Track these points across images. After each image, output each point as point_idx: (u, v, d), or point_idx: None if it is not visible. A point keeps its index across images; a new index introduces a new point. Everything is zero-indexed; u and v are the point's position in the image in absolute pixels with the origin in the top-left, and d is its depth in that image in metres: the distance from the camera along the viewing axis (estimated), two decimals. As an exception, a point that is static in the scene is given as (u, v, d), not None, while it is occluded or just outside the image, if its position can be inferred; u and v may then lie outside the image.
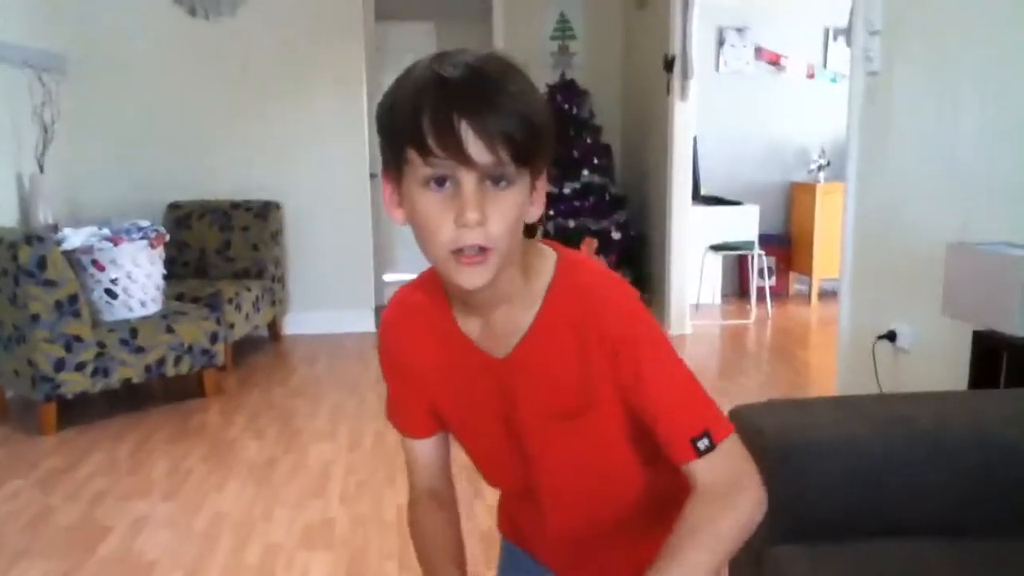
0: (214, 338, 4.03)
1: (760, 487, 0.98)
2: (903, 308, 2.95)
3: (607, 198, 5.53)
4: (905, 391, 2.62)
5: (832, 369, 4.11)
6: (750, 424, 1.83)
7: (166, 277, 4.05)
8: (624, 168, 6.02)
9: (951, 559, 1.63)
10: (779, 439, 1.75)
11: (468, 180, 0.88)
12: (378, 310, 5.58)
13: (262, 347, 5.08)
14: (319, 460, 3.29)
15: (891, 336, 2.95)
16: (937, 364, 2.74)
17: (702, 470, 0.96)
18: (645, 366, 0.97)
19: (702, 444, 0.96)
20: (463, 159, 0.86)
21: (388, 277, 6.58)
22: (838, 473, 1.71)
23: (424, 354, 1.09)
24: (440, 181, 0.89)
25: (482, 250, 0.90)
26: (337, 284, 5.39)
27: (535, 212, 0.98)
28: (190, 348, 3.93)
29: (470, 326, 1.04)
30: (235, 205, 5.09)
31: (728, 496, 0.96)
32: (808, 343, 5.36)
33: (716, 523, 0.95)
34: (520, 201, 0.92)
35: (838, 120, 6.14)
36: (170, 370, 3.87)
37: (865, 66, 3.09)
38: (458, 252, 0.90)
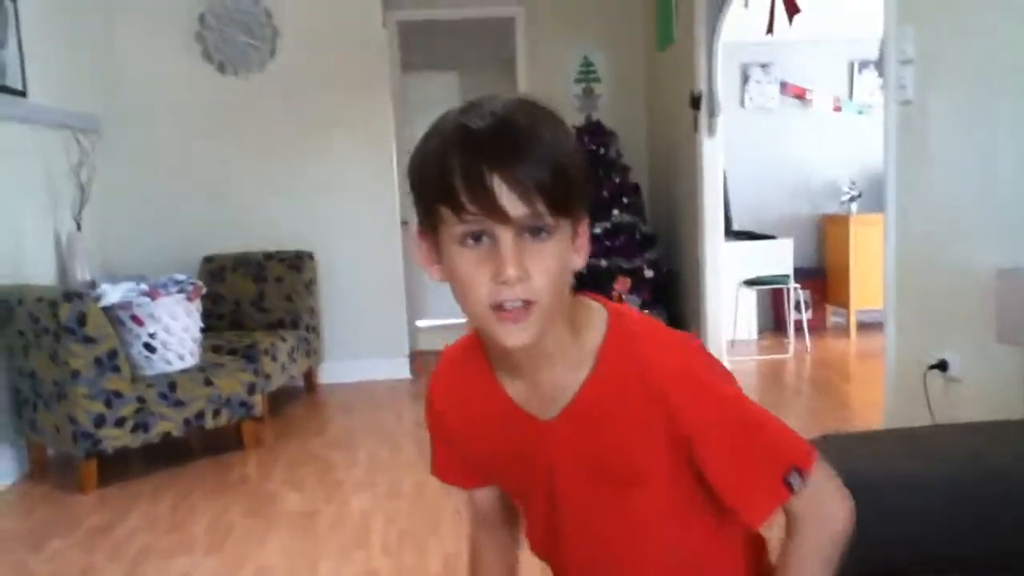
0: (251, 389, 4.02)
1: (846, 497, 0.97)
2: (952, 338, 2.88)
3: (638, 237, 5.51)
4: (960, 422, 2.54)
5: (877, 401, 4.02)
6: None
7: (202, 330, 4.06)
8: (653, 206, 6.00)
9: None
10: (843, 475, 1.69)
11: (505, 235, 0.86)
12: (412, 356, 5.57)
13: (298, 397, 5.07)
14: (359, 510, 3.25)
15: (942, 366, 2.88)
16: (991, 393, 2.66)
17: (796, 503, 0.94)
18: (714, 425, 0.93)
19: (794, 482, 0.93)
20: (497, 214, 0.84)
21: (421, 323, 6.58)
22: (907, 511, 1.65)
23: (466, 414, 1.06)
24: (476, 237, 0.87)
25: (525, 304, 0.87)
26: (371, 332, 5.38)
27: (580, 260, 0.94)
28: (228, 400, 3.92)
29: (514, 387, 1.01)
30: (268, 256, 5.12)
31: (823, 519, 0.96)
32: (849, 375, 5.27)
33: (822, 550, 0.96)
34: (562, 251, 0.89)
35: (867, 151, 6.17)
36: (209, 422, 3.86)
37: (898, 95, 3.06)
38: (498, 307, 0.87)
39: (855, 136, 6.23)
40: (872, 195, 6.15)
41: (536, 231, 0.87)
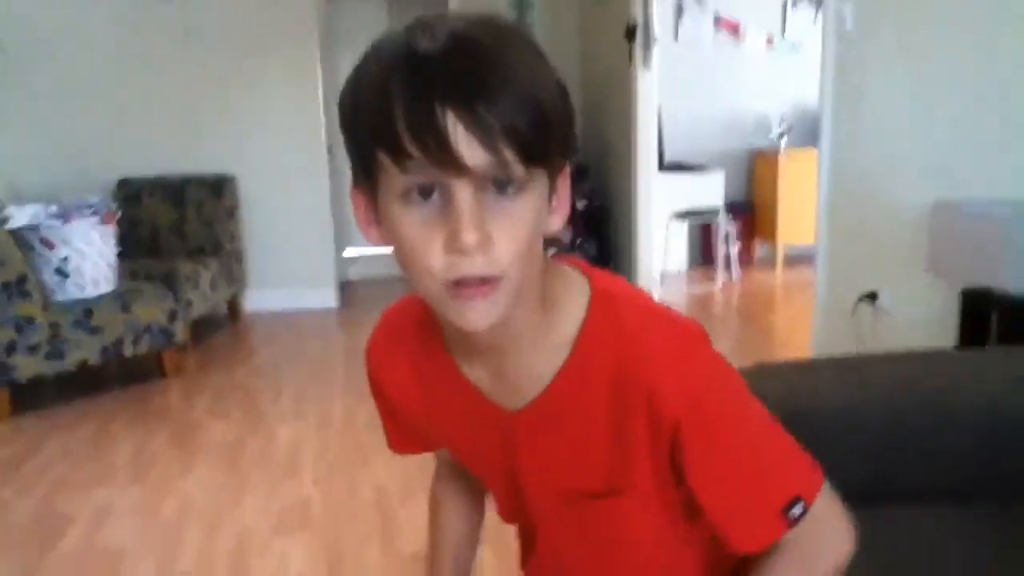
0: (172, 316, 3.88)
1: (850, 530, 0.83)
2: (882, 270, 2.92)
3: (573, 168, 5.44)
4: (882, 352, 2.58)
5: (804, 332, 4.10)
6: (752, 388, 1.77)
7: (119, 255, 3.88)
8: (586, 139, 5.93)
9: (961, 525, 1.58)
10: (782, 406, 1.69)
11: (461, 190, 0.67)
12: (340, 285, 5.45)
13: (222, 326, 4.93)
14: (288, 441, 3.18)
15: (872, 296, 2.92)
16: (921, 325, 2.71)
17: (793, 532, 0.79)
18: (714, 440, 0.78)
19: (795, 512, 0.78)
20: (451, 163, 0.65)
21: (349, 252, 6.44)
22: (844, 439, 1.65)
23: (417, 395, 0.90)
24: (425, 192, 0.68)
25: (486, 281, 0.69)
26: (297, 260, 5.24)
27: (557, 221, 0.76)
28: (148, 327, 3.77)
29: (475, 371, 0.84)
30: (187, 180, 4.90)
31: (819, 552, 0.82)
32: (776, 308, 5.36)
33: None
34: (535, 210, 0.71)
35: (798, 88, 6.21)
36: (128, 350, 3.71)
37: (837, 28, 3.04)
38: (455, 284, 0.69)
39: (787, 72, 6.23)
40: (802, 131, 6.19)
41: (502, 185, 0.68)
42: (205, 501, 2.70)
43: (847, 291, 3.07)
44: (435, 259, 0.68)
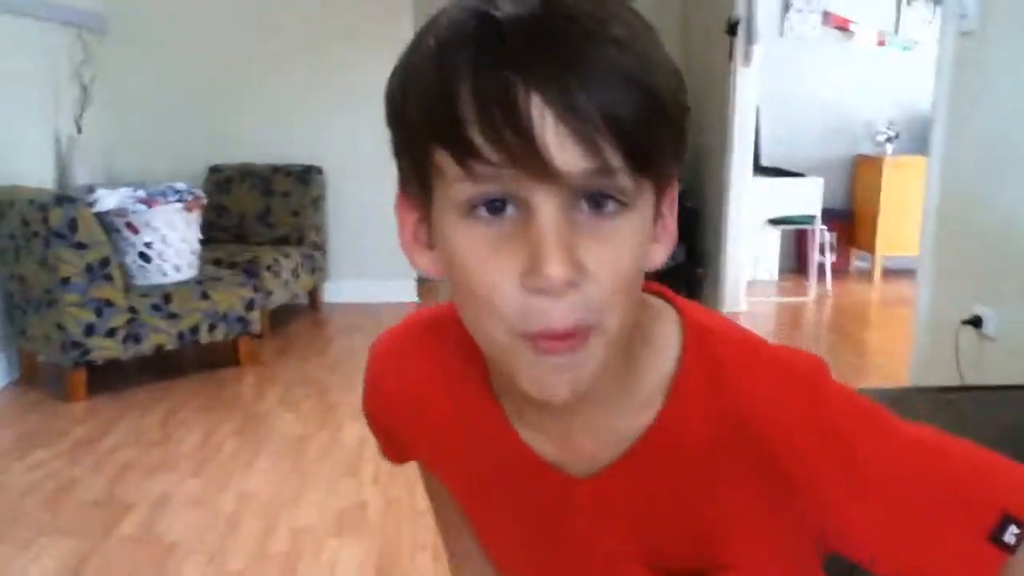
0: (250, 305, 3.88)
1: None
2: (991, 292, 2.68)
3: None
4: (991, 383, 2.37)
5: (899, 353, 3.85)
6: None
7: (204, 242, 3.91)
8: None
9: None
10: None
11: (547, 203, 0.50)
12: (419, 279, 5.42)
13: (300, 316, 4.94)
14: (354, 438, 3.13)
15: (976, 322, 2.69)
16: (1030, 355, 2.48)
17: (1017, 565, 0.57)
18: (870, 486, 0.58)
19: (1009, 535, 0.56)
20: (537, 166, 0.49)
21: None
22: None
23: (444, 444, 0.71)
24: (495, 206, 0.51)
25: (574, 331, 0.52)
26: (378, 252, 5.19)
27: (661, 253, 0.59)
28: (225, 315, 3.79)
29: (530, 428, 0.65)
30: (276, 169, 4.93)
31: None
32: (870, 323, 5.09)
33: None
34: (641, 235, 0.54)
35: (909, 91, 5.87)
36: (204, 337, 3.73)
37: (957, 26, 2.81)
38: (533, 336, 0.52)
39: (897, 74, 5.92)
40: (910, 137, 5.87)
41: (599, 200, 0.51)
42: (264, 496, 2.67)
43: (951, 312, 2.84)
44: (506, 297, 0.51)
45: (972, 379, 2.60)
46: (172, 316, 3.60)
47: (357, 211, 5.15)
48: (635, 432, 0.62)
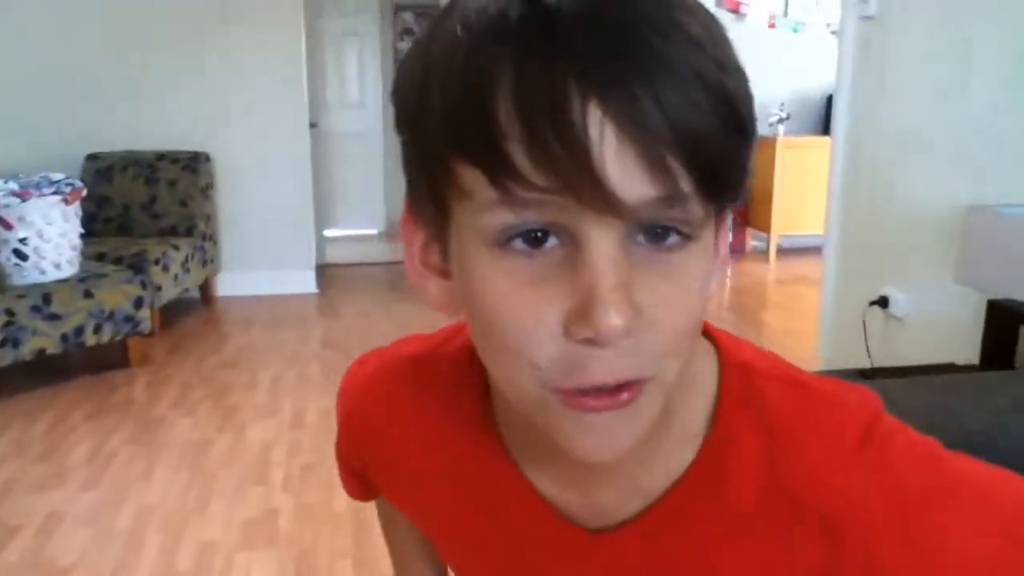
0: (139, 303, 3.65)
1: None
2: (897, 273, 2.74)
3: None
4: (898, 364, 2.41)
5: (801, 333, 3.93)
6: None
7: (85, 236, 3.65)
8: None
9: None
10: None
11: (603, 238, 0.41)
12: (319, 269, 5.23)
13: (193, 311, 4.70)
14: (259, 441, 2.98)
15: (883, 302, 2.74)
16: (934, 335, 2.54)
17: None
18: (944, 558, 0.49)
19: None
20: (594, 194, 0.39)
21: (329, 233, 6.22)
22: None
23: (437, 497, 0.62)
24: (534, 237, 0.42)
25: (626, 385, 0.43)
26: (274, 242, 5.00)
27: (718, 279, 0.50)
28: (112, 314, 3.55)
29: (543, 475, 0.56)
30: (161, 157, 4.66)
31: None
32: (770, 303, 5.19)
33: None
34: (707, 270, 0.46)
35: (800, 71, 6.01)
36: (90, 339, 3.49)
37: (859, 10, 2.84)
38: (574, 392, 0.43)
39: (787, 55, 6.03)
40: (802, 118, 6.02)
41: (662, 234, 0.42)
42: (165, 509, 2.50)
43: (857, 294, 2.89)
44: (545, 347, 0.42)
45: (880, 359, 2.65)
46: (53, 317, 3.35)
47: (249, 199, 4.92)
48: (664, 481, 0.53)
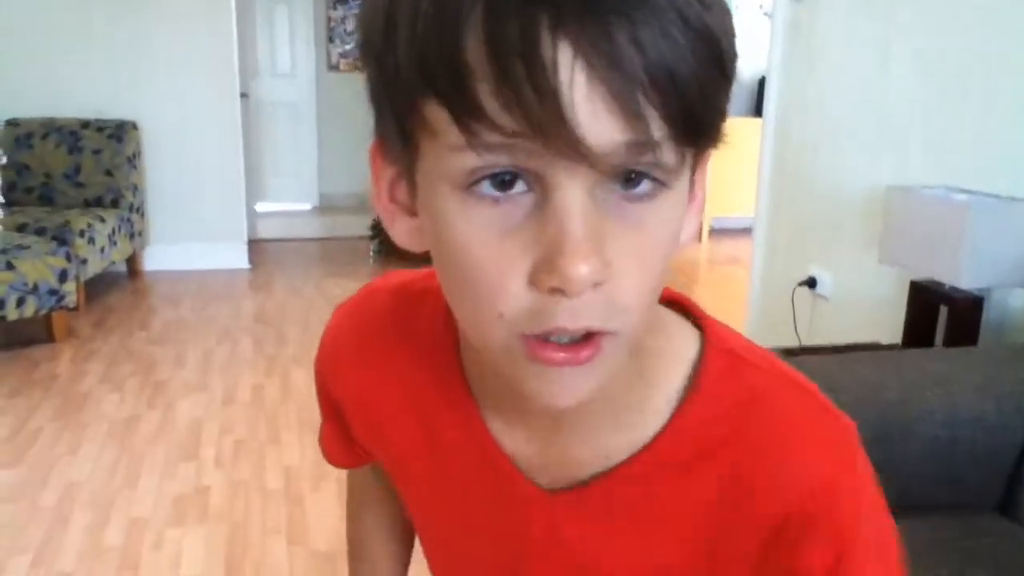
0: (63, 276, 3.54)
1: None
2: (823, 254, 2.82)
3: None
4: (825, 344, 2.49)
5: (733, 312, 4.01)
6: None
7: (4, 206, 3.52)
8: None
9: (917, 536, 1.49)
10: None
11: (572, 185, 0.40)
12: (250, 244, 5.14)
13: (119, 285, 4.57)
14: (189, 417, 2.93)
15: (811, 283, 2.82)
16: (859, 314, 2.62)
17: None
18: None
19: None
20: (564, 139, 0.38)
21: (261, 207, 6.11)
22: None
23: (400, 428, 0.61)
24: (502, 180, 0.41)
25: (591, 337, 0.43)
26: (204, 215, 4.89)
27: (691, 228, 0.49)
28: (35, 287, 3.44)
29: (509, 430, 0.55)
30: (85, 124, 4.51)
31: None
32: (703, 284, 5.28)
33: None
34: (676, 222, 0.45)
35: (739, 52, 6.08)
36: (11, 313, 3.37)
37: (790, -7, 2.89)
38: (541, 339, 0.43)
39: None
40: (735, 99, 6.09)
41: (635, 179, 0.41)
42: (92, 487, 2.44)
43: (785, 274, 2.97)
44: (512, 296, 0.42)
45: (808, 339, 2.73)
46: (-29, 289, 3.24)
47: (178, 170, 4.80)
48: (627, 449, 0.52)
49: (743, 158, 5.67)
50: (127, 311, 4.17)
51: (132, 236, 4.54)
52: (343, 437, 0.68)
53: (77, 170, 4.45)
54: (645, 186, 0.41)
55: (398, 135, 0.44)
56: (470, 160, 0.40)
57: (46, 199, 4.40)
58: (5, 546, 2.14)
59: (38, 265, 3.45)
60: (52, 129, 4.47)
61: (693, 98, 0.39)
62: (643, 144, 0.39)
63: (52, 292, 3.50)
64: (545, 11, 0.36)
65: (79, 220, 3.95)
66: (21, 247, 3.47)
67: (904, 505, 1.52)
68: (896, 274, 2.36)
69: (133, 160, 4.58)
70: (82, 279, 3.85)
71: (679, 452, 0.52)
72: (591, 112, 0.37)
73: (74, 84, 4.61)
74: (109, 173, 4.46)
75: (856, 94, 2.64)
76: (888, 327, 2.36)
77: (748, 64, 5.05)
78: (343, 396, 0.65)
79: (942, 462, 1.59)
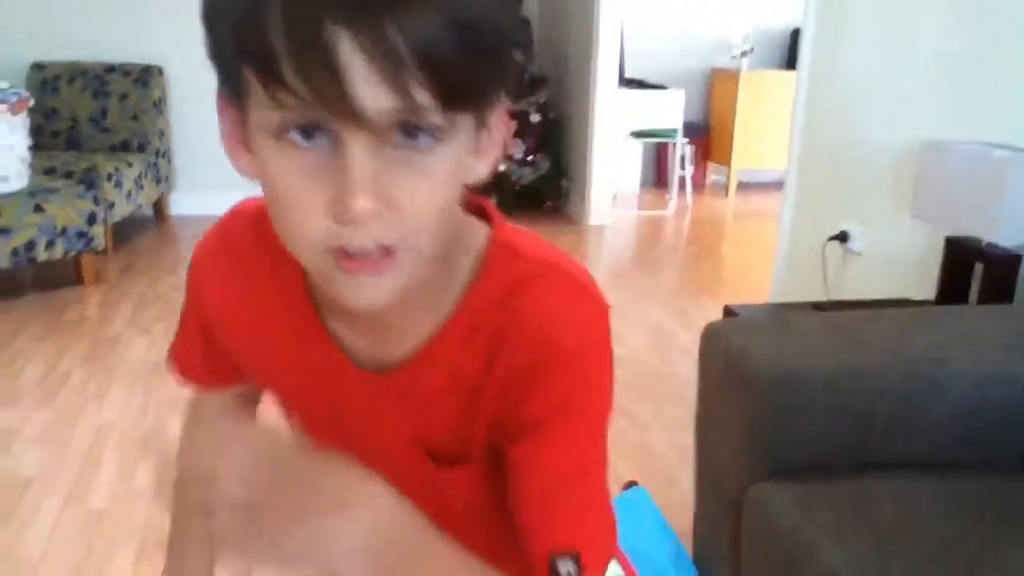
0: (92, 219, 3.57)
1: None
2: (855, 209, 2.77)
3: (526, 77, 5.16)
4: (857, 298, 2.46)
5: (758, 267, 3.98)
6: (731, 345, 1.62)
7: (32, 148, 3.54)
8: (542, 46, 5.63)
9: (942, 496, 1.49)
10: (767, 367, 1.54)
11: (355, 142, 0.50)
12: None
13: (146, 230, 4.59)
14: (217, 361, 2.96)
15: (842, 237, 2.78)
16: (891, 270, 2.59)
17: None
18: (551, 429, 0.64)
19: (564, 569, 0.63)
20: (342, 107, 0.49)
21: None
22: (828, 406, 1.52)
23: (253, 331, 0.73)
24: (307, 132, 0.51)
25: (384, 252, 0.54)
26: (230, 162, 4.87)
27: (483, 168, 0.60)
28: (64, 230, 3.46)
29: (340, 325, 0.68)
30: (110, 69, 4.50)
31: None
32: (729, 237, 5.25)
33: None
34: (455, 163, 0.55)
35: (764, 4, 5.96)
36: (41, 255, 3.41)
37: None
38: (341, 254, 0.54)
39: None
40: (766, 51, 6.00)
41: (411, 133, 0.52)
42: (122, 428, 2.48)
43: (815, 228, 2.93)
44: (315, 224, 0.53)
45: (837, 294, 2.70)
46: (3, 231, 3.26)
47: (205, 116, 4.74)
48: (425, 332, 0.66)
49: (771, 111, 5.60)
50: (154, 255, 4.19)
51: (158, 181, 4.55)
52: (201, 349, 0.80)
53: (103, 114, 4.45)
54: (425, 139, 0.52)
55: (231, 90, 0.55)
56: (276, 116, 0.51)
57: (73, 143, 4.41)
58: (39, 486, 2.18)
59: (66, 208, 3.47)
60: (78, 73, 4.47)
61: (450, 76, 0.49)
62: (410, 109, 0.50)
63: (80, 235, 3.52)
64: (328, 9, 0.47)
65: (106, 164, 3.96)
66: (49, 190, 3.49)
67: (932, 463, 1.53)
68: (929, 230, 2.32)
69: (159, 105, 4.57)
70: (110, 223, 3.87)
71: (461, 331, 0.65)
72: (367, 83, 0.48)
73: (99, 28, 4.59)
74: (135, 118, 4.46)
75: (890, 47, 2.58)
76: (920, 284, 2.33)
77: (778, 16, 5.00)
78: (210, 304, 0.76)
79: (971, 421, 1.57)
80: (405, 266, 0.56)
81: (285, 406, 0.76)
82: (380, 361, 0.67)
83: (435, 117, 0.51)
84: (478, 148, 0.58)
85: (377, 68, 0.48)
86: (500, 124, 0.60)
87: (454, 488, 0.71)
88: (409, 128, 0.51)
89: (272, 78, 0.49)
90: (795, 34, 5.67)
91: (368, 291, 0.56)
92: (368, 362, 0.68)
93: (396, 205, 0.52)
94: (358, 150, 0.50)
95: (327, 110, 0.49)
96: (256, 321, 0.72)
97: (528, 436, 0.64)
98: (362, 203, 0.50)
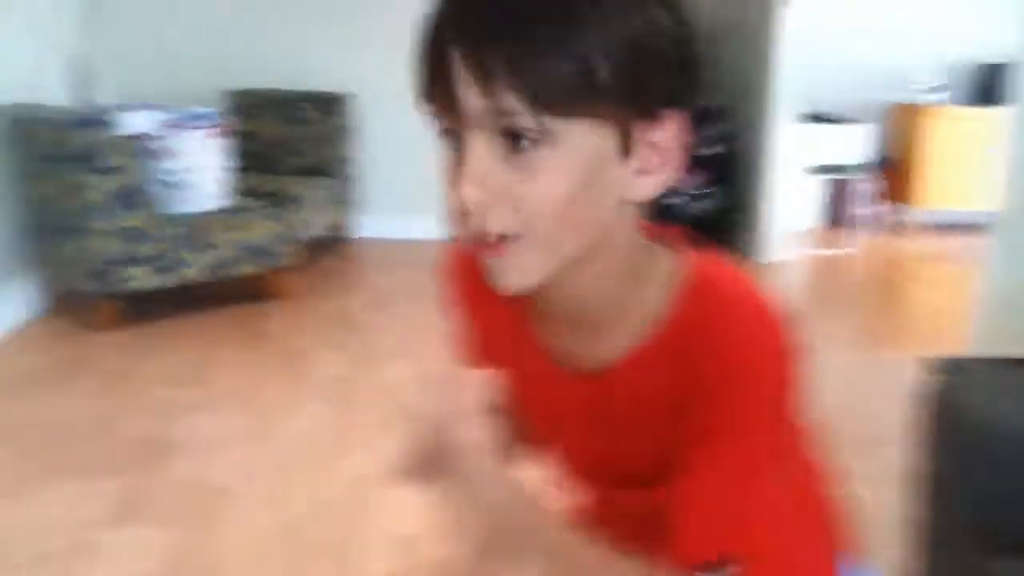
0: (283, 238, 3.74)
1: None
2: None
3: (698, 110, 5.08)
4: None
5: (952, 313, 3.74)
6: (948, 392, 1.51)
7: (231, 170, 3.75)
8: (721, 78, 5.52)
9: None
10: (995, 420, 1.42)
11: (471, 138, 0.64)
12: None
13: (332, 250, 4.76)
14: (401, 379, 3.01)
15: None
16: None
17: None
18: (718, 442, 0.71)
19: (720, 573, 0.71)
20: (450, 107, 0.64)
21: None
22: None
23: (497, 351, 0.85)
24: (450, 134, 0.67)
25: (503, 238, 0.65)
26: (413, 186, 4.97)
27: (646, 186, 0.68)
28: (258, 247, 3.65)
29: (553, 338, 0.80)
30: (301, 96, 4.72)
31: None
32: (916, 280, 4.96)
33: None
34: (575, 167, 0.64)
35: (958, 37, 5.63)
36: (235, 271, 3.60)
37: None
38: (472, 236, 0.67)
39: (948, 19, 5.66)
40: (965, 86, 5.68)
41: (514, 137, 0.63)
42: (316, 440, 2.56)
43: (1019, 278, 2.72)
44: (455, 207, 0.66)
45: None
46: (204, 247, 3.47)
47: (391, 142, 4.94)
48: (616, 353, 0.74)
49: (960, 150, 5.28)
50: (339, 275, 4.36)
51: (346, 204, 4.73)
52: (468, 347, 0.91)
53: (294, 139, 4.68)
54: (525, 142, 0.63)
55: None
56: (437, 127, 0.67)
57: (266, 166, 4.65)
58: (241, 491, 2.26)
59: (260, 227, 3.66)
60: (271, 100, 4.72)
61: (548, 82, 0.61)
62: (500, 112, 0.62)
63: (273, 252, 3.70)
64: (447, 31, 0.64)
65: (297, 186, 4.16)
66: (246, 210, 3.68)
67: None
68: None
69: (344, 131, 4.77)
70: (299, 242, 4.04)
71: (654, 357, 0.72)
72: (466, 90, 0.62)
73: (292, 58, 4.83)
74: (324, 143, 4.67)
75: None
76: None
77: (967, 50, 4.66)
78: (468, 322, 0.89)
79: None
80: (526, 254, 0.66)
81: (519, 402, 0.84)
82: (579, 365, 0.78)
83: (527, 120, 0.62)
84: (644, 165, 0.66)
85: (473, 76, 0.61)
86: (666, 145, 0.67)
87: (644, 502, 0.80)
88: (510, 132, 0.62)
89: (424, 95, 0.66)
90: (991, 69, 5.35)
91: (498, 272, 0.67)
92: (569, 364, 0.79)
93: (504, 197, 0.63)
94: (471, 148, 0.63)
95: (444, 112, 0.65)
96: (497, 338, 0.85)
97: (695, 445, 0.70)
98: (468, 191, 0.63)
